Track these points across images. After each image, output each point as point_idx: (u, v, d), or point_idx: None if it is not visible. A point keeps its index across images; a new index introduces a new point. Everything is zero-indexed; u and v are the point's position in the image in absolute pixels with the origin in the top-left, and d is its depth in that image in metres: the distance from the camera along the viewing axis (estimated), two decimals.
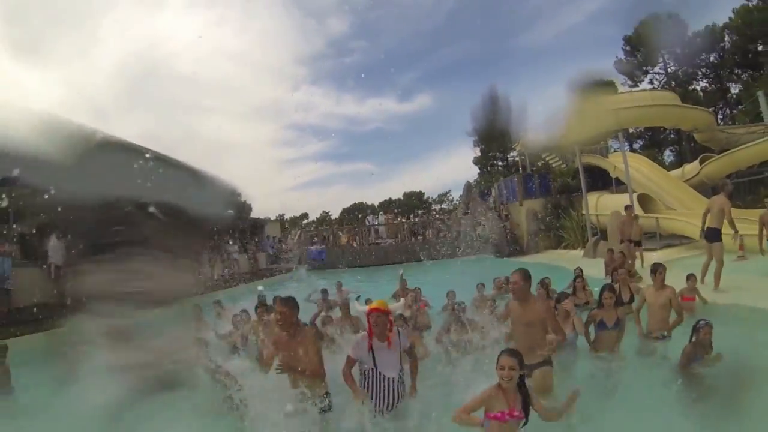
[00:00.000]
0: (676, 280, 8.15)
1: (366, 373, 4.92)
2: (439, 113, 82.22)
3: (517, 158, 40.48)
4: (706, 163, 22.10)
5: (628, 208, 15.32)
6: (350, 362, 4.97)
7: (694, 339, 5.63)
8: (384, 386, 4.84)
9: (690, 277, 8.87)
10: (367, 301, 8.51)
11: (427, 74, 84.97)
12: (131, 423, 5.12)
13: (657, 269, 7.28)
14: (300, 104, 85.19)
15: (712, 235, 10.23)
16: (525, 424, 3.82)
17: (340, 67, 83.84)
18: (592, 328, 6.63)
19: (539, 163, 33.26)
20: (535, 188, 29.04)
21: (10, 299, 13.22)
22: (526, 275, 5.33)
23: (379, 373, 4.86)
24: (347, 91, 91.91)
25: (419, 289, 11.34)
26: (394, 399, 4.85)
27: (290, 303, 5.21)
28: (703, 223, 10.55)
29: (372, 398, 4.82)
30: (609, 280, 9.52)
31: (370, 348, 4.90)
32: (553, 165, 30.37)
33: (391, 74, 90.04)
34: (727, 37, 34.23)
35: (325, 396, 4.98)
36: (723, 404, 4.99)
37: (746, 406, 4.73)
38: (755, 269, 11.03)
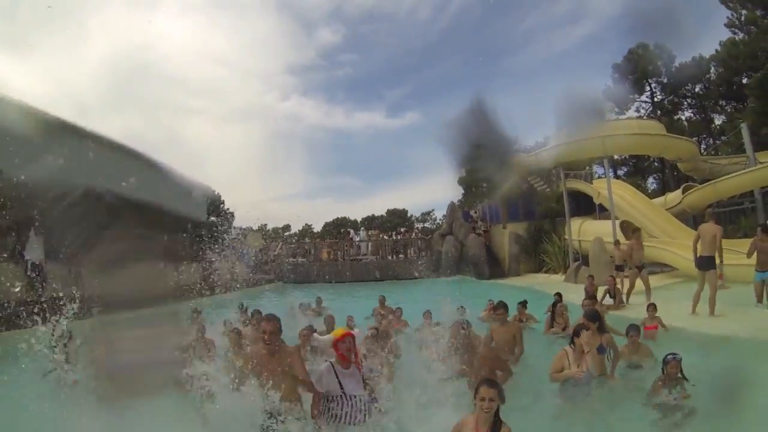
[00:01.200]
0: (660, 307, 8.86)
1: (335, 398, 4.88)
2: (427, 131, 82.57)
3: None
4: (688, 192, 22.30)
5: (635, 231, 14.68)
6: (320, 397, 4.92)
7: (663, 373, 5.84)
8: (354, 406, 4.83)
9: (650, 307, 9.32)
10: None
11: (417, 91, 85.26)
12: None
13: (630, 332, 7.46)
14: (289, 114, 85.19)
15: (706, 263, 10.32)
16: None
17: (330, 79, 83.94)
18: None
19: (524, 186, 33.41)
20: (519, 211, 29.16)
21: None
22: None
23: (349, 395, 4.85)
24: (337, 103, 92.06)
25: (400, 309, 11.23)
26: (364, 416, 4.84)
27: (277, 320, 5.02)
28: (695, 251, 10.63)
29: (342, 420, 4.81)
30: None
31: (336, 376, 4.89)
32: (538, 189, 30.48)
33: (380, 89, 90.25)
34: (713, 69, 34.84)
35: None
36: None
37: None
38: (729, 299, 11.07)
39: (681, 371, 5.74)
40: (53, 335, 6.78)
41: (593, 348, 5.81)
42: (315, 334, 8.33)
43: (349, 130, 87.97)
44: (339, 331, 5.22)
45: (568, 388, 5.73)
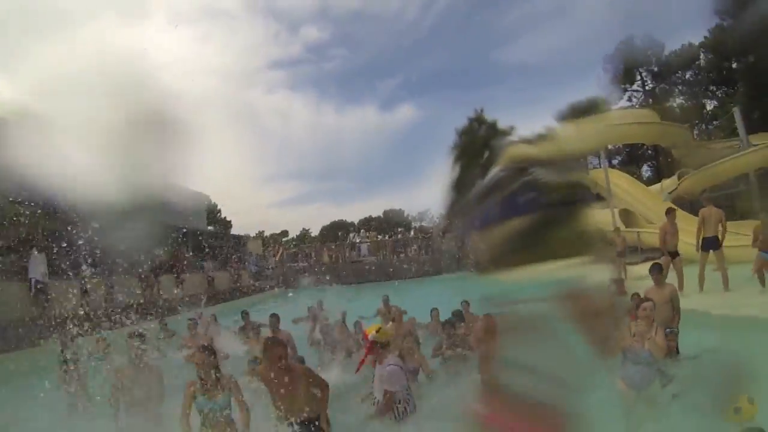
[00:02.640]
0: None
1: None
2: (420, 126, 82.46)
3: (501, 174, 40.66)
4: (684, 178, 22.39)
5: (670, 212, 12.90)
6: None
7: None
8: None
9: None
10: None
11: (409, 82, 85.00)
12: None
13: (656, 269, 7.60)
14: (277, 109, 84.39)
15: (713, 243, 10.89)
16: None
17: (319, 72, 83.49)
18: None
19: (522, 180, 33.42)
20: (519, 206, 29.23)
21: None
22: None
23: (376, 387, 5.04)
24: (328, 98, 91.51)
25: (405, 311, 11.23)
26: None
27: (279, 343, 4.83)
28: (699, 235, 11.07)
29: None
30: None
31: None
32: (539, 181, 30.60)
33: (372, 83, 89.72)
34: (702, 56, 35.04)
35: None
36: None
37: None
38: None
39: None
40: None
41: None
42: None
43: (341, 127, 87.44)
44: (371, 328, 5.25)
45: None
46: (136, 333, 5.57)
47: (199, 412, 4.69)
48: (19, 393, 6.70)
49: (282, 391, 4.61)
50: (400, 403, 4.83)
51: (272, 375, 4.64)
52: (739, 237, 12.95)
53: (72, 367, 6.77)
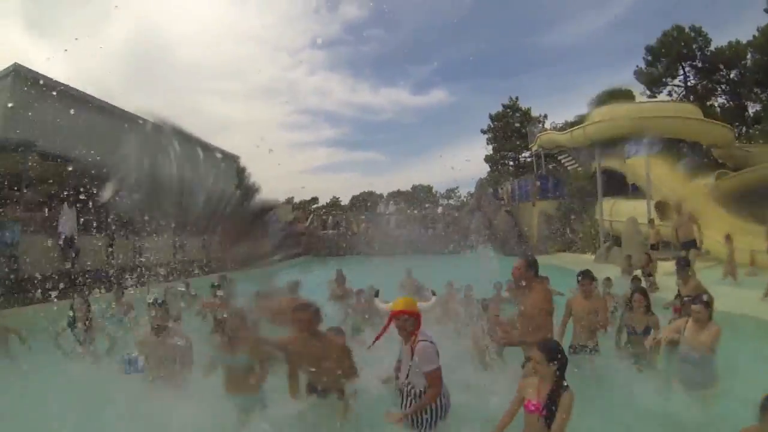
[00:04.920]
0: None
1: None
2: (452, 108, 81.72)
3: (530, 159, 40.32)
4: (722, 179, 21.72)
5: (679, 206, 14.26)
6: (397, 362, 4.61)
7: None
8: (402, 391, 4.35)
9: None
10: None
11: (444, 68, 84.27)
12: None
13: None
14: (316, 88, 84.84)
15: None
16: (547, 424, 3.68)
17: (356, 53, 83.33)
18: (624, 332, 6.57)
19: (552, 166, 33.08)
20: (550, 190, 28.86)
21: (18, 267, 13.04)
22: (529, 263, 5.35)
23: (400, 374, 4.42)
24: (363, 79, 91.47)
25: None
26: (403, 403, 4.31)
27: (310, 309, 4.73)
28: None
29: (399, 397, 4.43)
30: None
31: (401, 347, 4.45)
32: (568, 167, 30.12)
33: (406, 66, 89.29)
34: (749, 55, 33.80)
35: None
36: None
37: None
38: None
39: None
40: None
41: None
42: (377, 299, 8.17)
43: (375, 106, 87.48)
44: (399, 303, 4.42)
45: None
46: (157, 301, 5.35)
47: (222, 369, 4.87)
48: (47, 344, 6.75)
49: (306, 357, 4.61)
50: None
51: (297, 341, 4.61)
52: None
53: (82, 327, 6.73)
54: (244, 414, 4.73)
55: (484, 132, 48.53)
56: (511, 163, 48.43)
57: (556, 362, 3.77)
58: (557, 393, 3.72)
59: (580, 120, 28.37)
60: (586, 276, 6.62)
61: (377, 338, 4.59)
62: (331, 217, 38.57)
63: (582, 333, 6.34)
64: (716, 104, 36.60)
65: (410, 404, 4.20)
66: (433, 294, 7.71)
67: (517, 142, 44.65)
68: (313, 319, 4.65)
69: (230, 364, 4.81)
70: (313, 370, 4.65)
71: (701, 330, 5.08)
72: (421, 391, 4.18)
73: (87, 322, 6.77)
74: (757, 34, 32.33)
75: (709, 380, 5.06)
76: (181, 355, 5.29)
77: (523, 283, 5.28)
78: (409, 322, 4.25)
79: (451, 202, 60.88)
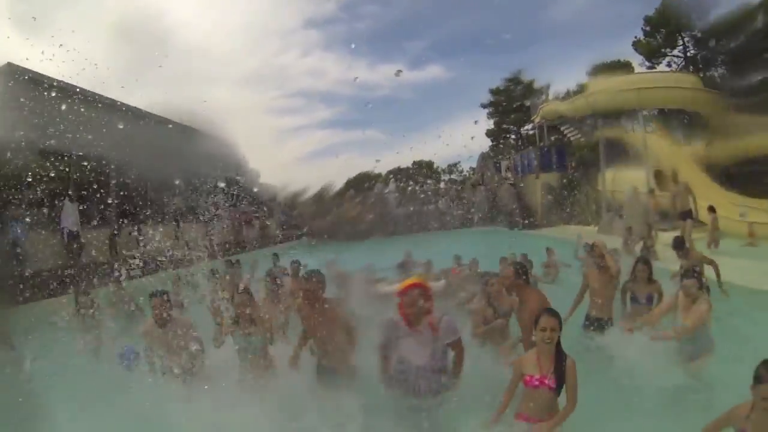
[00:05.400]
0: None
1: (397, 360, 4.17)
2: (451, 83, 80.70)
3: (533, 132, 40.08)
4: (714, 145, 21.63)
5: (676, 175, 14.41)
6: (383, 358, 4.30)
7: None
8: (410, 375, 4.08)
9: None
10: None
11: (440, 43, 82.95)
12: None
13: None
14: (311, 69, 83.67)
15: None
16: (558, 393, 3.70)
17: (351, 33, 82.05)
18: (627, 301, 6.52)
19: (554, 137, 32.89)
20: (552, 162, 28.72)
21: (23, 264, 13.04)
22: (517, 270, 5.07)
23: (404, 361, 4.11)
24: (359, 57, 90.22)
25: (429, 261, 10.89)
26: (421, 393, 4.06)
27: (315, 277, 4.88)
28: None
29: (398, 386, 4.16)
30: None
31: (396, 334, 4.14)
32: (572, 138, 29.95)
33: (402, 42, 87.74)
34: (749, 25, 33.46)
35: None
36: None
37: None
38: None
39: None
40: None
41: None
42: (382, 282, 8.27)
43: (371, 83, 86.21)
44: (408, 280, 4.23)
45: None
46: (158, 292, 5.23)
47: (237, 351, 4.98)
48: (50, 339, 6.76)
49: (315, 328, 4.81)
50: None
51: (307, 310, 4.84)
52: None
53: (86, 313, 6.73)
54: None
55: (484, 106, 48.13)
56: (513, 136, 48.12)
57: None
58: (563, 362, 3.70)
59: (581, 89, 28.19)
60: (594, 246, 6.58)
61: (432, 327, 4.10)
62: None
63: (597, 305, 6.31)
64: (716, 75, 36.41)
65: (426, 382, 4.04)
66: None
67: (518, 115, 44.41)
68: (320, 289, 4.84)
69: (245, 345, 4.92)
70: (320, 336, 4.83)
71: (692, 305, 5.11)
72: (433, 364, 4.06)
73: (92, 313, 6.77)
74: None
75: (704, 350, 5.07)
76: (189, 345, 5.17)
77: (514, 294, 5.18)
78: (421, 298, 3.98)
79: (453, 177, 60.60)
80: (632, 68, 32.72)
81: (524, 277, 5.00)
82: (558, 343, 3.75)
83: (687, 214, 13.13)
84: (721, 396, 4.02)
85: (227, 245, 19.61)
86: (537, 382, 3.70)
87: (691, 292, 5.12)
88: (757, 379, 2.97)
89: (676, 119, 27.24)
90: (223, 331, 5.01)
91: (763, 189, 18.61)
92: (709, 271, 7.65)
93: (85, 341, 6.56)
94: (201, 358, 5.24)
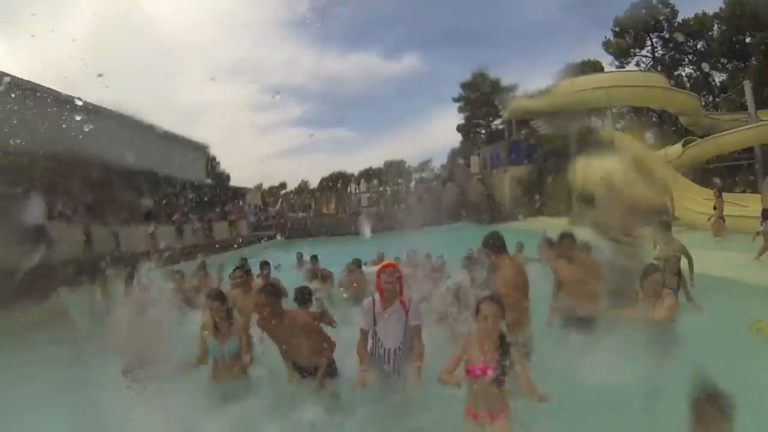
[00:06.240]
0: None
1: (372, 338, 4.59)
2: (422, 78, 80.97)
3: (502, 126, 40.35)
4: (689, 146, 22.13)
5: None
6: (363, 335, 4.60)
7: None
8: (382, 357, 4.55)
9: None
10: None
11: (414, 36, 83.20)
12: None
13: None
14: (282, 63, 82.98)
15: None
16: (500, 385, 3.50)
17: (325, 31, 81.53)
18: None
19: (524, 131, 33.18)
20: (522, 155, 28.91)
21: None
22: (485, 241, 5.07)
23: (379, 340, 4.54)
24: (331, 45, 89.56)
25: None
26: (390, 372, 4.55)
27: (269, 292, 4.72)
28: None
29: (375, 363, 4.57)
30: None
31: (374, 313, 4.50)
32: (541, 132, 30.27)
33: (376, 32, 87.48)
34: (716, 26, 34.72)
35: (330, 364, 4.79)
36: None
37: None
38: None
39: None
40: None
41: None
42: (364, 267, 8.42)
43: (344, 75, 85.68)
44: (385, 261, 4.96)
45: None
46: (130, 273, 5.26)
47: (211, 356, 4.93)
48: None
49: (280, 337, 4.72)
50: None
51: (266, 323, 4.66)
52: (741, 208, 13.72)
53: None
54: (232, 400, 4.68)
55: (455, 100, 48.23)
56: (483, 131, 48.41)
57: (505, 317, 3.63)
58: (507, 351, 3.55)
59: (550, 90, 28.61)
60: (564, 238, 6.09)
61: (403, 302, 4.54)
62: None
63: (577, 300, 5.62)
64: (684, 74, 37.65)
65: (397, 364, 4.52)
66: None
67: (488, 110, 44.79)
68: (270, 302, 4.61)
69: (220, 353, 4.89)
70: (285, 347, 4.73)
71: (656, 302, 4.85)
72: (403, 348, 4.52)
73: None
74: (723, 6, 33.45)
75: (670, 347, 4.74)
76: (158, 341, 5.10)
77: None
78: (395, 277, 4.43)
79: (424, 175, 60.82)
80: (602, 68, 33.75)
81: (494, 246, 4.97)
82: (502, 333, 3.62)
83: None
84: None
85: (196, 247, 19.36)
86: (479, 371, 3.53)
87: (656, 288, 4.86)
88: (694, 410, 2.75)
89: (647, 118, 28.10)
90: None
91: (731, 183, 19.36)
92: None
93: None
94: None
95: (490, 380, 3.49)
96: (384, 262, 4.75)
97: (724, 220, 13.92)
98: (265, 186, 49.97)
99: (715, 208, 14.37)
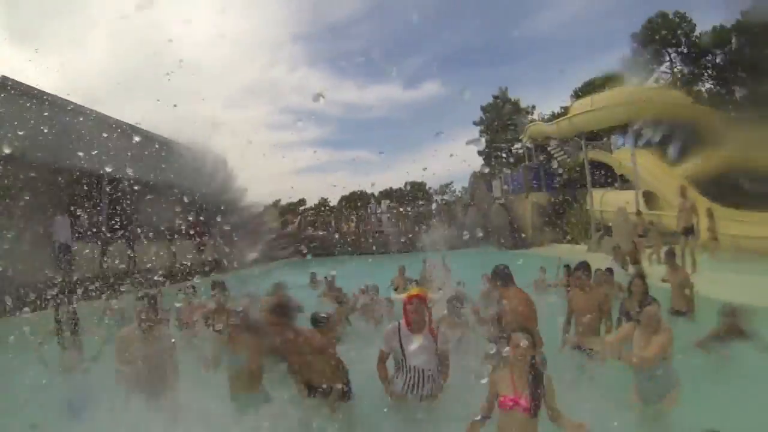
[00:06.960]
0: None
1: (398, 363, 4.75)
2: (444, 102, 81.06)
3: (521, 151, 40.35)
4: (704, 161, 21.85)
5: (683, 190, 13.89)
6: (382, 356, 4.82)
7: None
8: (414, 376, 4.63)
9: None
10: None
11: (433, 61, 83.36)
12: None
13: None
14: (299, 86, 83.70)
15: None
16: (534, 415, 3.50)
17: (341, 51, 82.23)
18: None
19: (543, 157, 33.12)
20: (541, 181, 28.88)
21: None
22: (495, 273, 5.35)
23: (409, 365, 4.64)
24: (348, 77, 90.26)
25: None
26: (428, 389, 4.63)
27: (279, 312, 4.95)
28: None
29: (403, 388, 4.66)
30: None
31: (400, 339, 4.67)
32: (558, 158, 30.20)
33: (396, 60, 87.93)
34: (734, 39, 34.14)
35: (345, 385, 4.86)
36: None
37: None
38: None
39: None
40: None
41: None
42: (394, 293, 8.65)
43: (365, 102, 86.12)
44: (411, 290, 5.03)
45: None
46: (144, 294, 4.88)
47: (226, 368, 4.85)
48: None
49: (291, 357, 4.82)
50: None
51: (278, 341, 4.79)
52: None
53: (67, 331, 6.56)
54: (246, 413, 4.62)
55: (476, 124, 48.34)
56: (504, 155, 48.34)
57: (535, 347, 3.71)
58: (539, 381, 3.57)
59: (565, 111, 28.57)
60: (579, 268, 6.23)
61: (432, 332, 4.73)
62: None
63: (582, 331, 5.89)
64: (703, 89, 36.86)
65: (426, 386, 4.61)
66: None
67: (509, 135, 44.76)
68: (281, 319, 4.85)
69: (232, 364, 4.80)
70: (297, 367, 4.81)
71: (652, 336, 4.42)
72: (432, 371, 4.65)
73: (74, 328, 6.63)
74: (740, 18, 32.58)
75: (667, 388, 4.42)
76: (168, 357, 4.89)
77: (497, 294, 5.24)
78: (422, 307, 4.65)
79: (446, 197, 60.72)
80: (623, 82, 33.37)
81: (502, 279, 5.22)
82: (533, 362, 3.64)
83: (689, 231, 13.09)
84: None
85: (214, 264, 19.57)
86: (511, 403, 3.54)
87: (653, 321, 4.46)
88: None
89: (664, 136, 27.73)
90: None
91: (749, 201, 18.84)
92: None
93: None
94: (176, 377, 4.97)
95: (521, 410, 3.51)
96: (412, 292, 4.87)
97: None
98: (284, 202, 50.16)
99: None
